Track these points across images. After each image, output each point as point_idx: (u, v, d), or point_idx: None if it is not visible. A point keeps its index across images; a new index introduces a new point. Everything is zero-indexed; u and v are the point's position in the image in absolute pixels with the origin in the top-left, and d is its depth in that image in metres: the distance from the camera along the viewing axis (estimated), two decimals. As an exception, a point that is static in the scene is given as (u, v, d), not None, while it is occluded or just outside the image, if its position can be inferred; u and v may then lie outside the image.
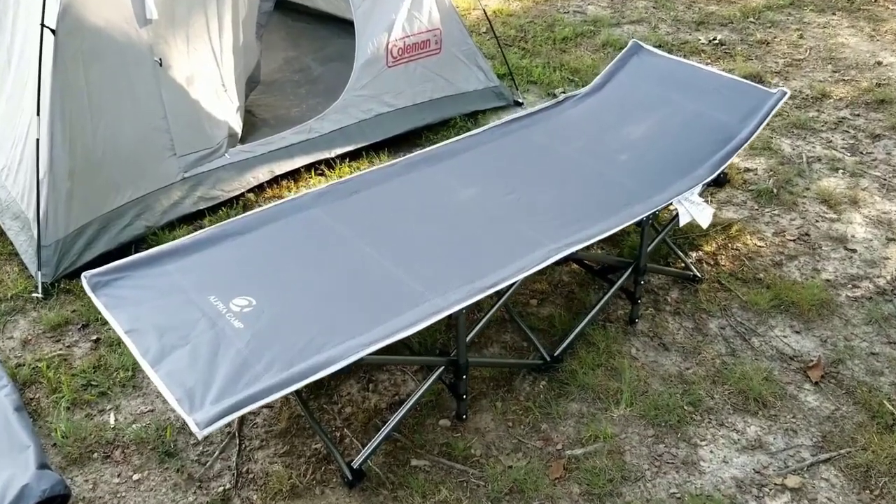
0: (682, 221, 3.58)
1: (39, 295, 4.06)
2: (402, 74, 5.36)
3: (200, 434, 2.45)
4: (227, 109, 4.90)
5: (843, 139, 5.22)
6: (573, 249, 3.24)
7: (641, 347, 3.68)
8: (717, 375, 3.52)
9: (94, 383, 3.59)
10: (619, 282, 3.68)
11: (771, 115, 3.79)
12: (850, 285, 4.00)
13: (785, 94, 3.83)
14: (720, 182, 3.71)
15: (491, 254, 3.26)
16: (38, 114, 3.99)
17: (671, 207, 3.61)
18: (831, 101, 5.69)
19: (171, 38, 4.53)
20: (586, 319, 3.64)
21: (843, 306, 3.87)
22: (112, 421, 3.42)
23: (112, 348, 3.76)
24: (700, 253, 4.25)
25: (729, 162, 3.70)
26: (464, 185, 3.71)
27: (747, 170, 4.92)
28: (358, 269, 3.21)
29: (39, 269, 4.06)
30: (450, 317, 2.93)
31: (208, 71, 4.77)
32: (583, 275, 4.11)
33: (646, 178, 3.68)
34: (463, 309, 2.98)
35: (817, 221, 4.46)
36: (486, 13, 6.32)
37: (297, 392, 3.33)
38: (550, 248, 3.22)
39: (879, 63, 6.16)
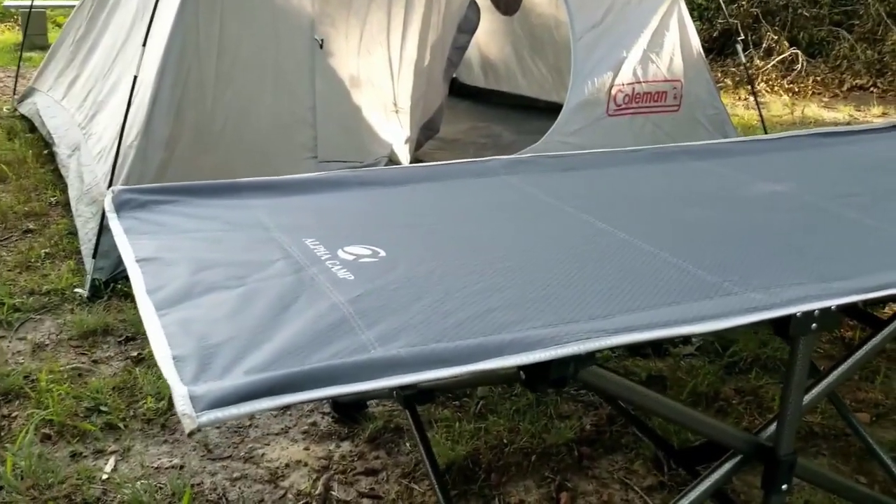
0: None
1: (84, 292, 2.80)
2: (626, 128, 4.03)
3: (195, 422, 0.95)
4: (394, 133, 3.74)
5: None
6: None
7: None
8: None
9: (103, 409, 2.17)
10: None
11: None
12: None
13: None
14: None
15: (851, 254, 1.67)
16: (143, 44, 2.95)
17: None
18: None
19: (340, 24, 3.50)
20: None
21: None
22: (108, 469, 1.96)
23: (153, 370, 2.36)
24: None
25: None
26: (760, 181, 2.18)
27: None
28: (586, 243, 1.71)
29: (94, 257, 2.82)
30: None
31: (380, 80, 3.68)
32: (947, 388, 2.34)
33: None
34: (816, 314, 1.38)
35: None
36: (759, 109, 4.96)
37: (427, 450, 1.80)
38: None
39: None
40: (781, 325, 1.39)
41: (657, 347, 2.44)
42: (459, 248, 1.65)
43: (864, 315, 2.35)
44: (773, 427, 1.50)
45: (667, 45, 4.09)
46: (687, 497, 1.50)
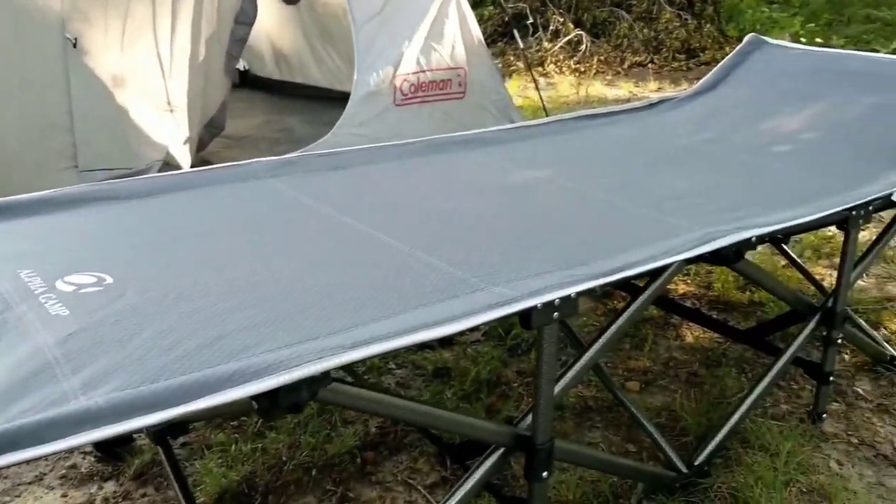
0: (908, 233, 2.06)
1: None
2: (414, 117, 4.02)
3: None
4: (170, 133, 3.50)
5: None
6: (760, 232, 1.71)
7: (846, 459, 2.01)
8: None
9: None
10: (799, 340, 2.08)
11: None
12: None
13: None
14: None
15: (597, 237, 1.72)
16: None
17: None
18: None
19: (97, 19, 3.22)
20: (744, 406, 2.00)
21: None
22: None
23: None
24: (883, 332, 2.67)
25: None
26: (524, 168, 2.22)
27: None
28: (342, 248, 1.64)
29: None
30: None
31: (148, 79, 3.43)
32: (707, 349, 2.51)
33: (832, 170, 2.21)
34: (556, 304, 1.39)
35: None
36: (539, 92, 5.12)
37: (182, 486, 1.70)
38: (707, 233, 1.69)
39: None
40: (525, 318, 1.40)
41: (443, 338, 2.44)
42: (201, 266, 1.53)
43: (630, 286, 2.48)
44: (530, 417, 1.51)
45: (447, 33, 4.11)
46: (455, 496, 1.49)
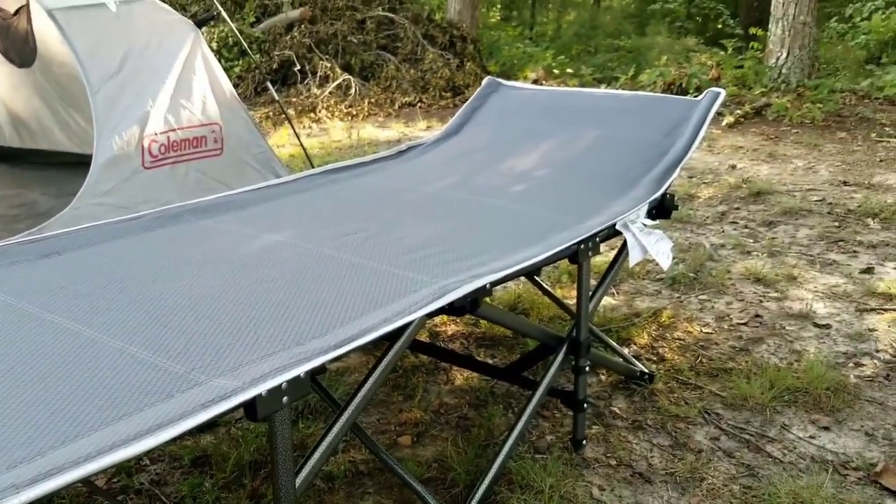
0: (633, 259, 2.20)
1: None
2: (167, 178, 3.80)
3: None
4: None
5: (735, 229, 4.26)
6: (493, 278, 1.73)
7: (606, 484, 2.08)
8: (749, 508, 1.99)
9: None
10: (550, 372, 2.14)
11: (709, 120, 2.65)
12: (850, 364, 2.74)
13: (719, 93, 2.73)
14: (666, 209, 2.45)
15: (335, 303, 1.66)
16: None
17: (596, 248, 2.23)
18: (701, 199, 4.83)
19: None
20: (505, 448, 2.02)
21: (862, 388, 2.57)
22: None
23: None
24: (633, 348, 2.85)
25: (672, 180, 2.45)
26: (263, 232, 2.12)
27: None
28: (40, 354, 1.45)
29: None
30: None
31: None
32: (476, 389, 2.53)
33: (565, 205, 2.32)
34: (284, 388, 1.32)
35: (762, 302, 3.27)
36: (303, 146, 5.02)
37: None
38: (443, 286, 1.69)
39: (734, 167, 5.53)
40: (250, 409, 1.30)
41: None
42: None
43: (393, 335, 2.45)
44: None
45: (196, 89, 3.95)
46: None
